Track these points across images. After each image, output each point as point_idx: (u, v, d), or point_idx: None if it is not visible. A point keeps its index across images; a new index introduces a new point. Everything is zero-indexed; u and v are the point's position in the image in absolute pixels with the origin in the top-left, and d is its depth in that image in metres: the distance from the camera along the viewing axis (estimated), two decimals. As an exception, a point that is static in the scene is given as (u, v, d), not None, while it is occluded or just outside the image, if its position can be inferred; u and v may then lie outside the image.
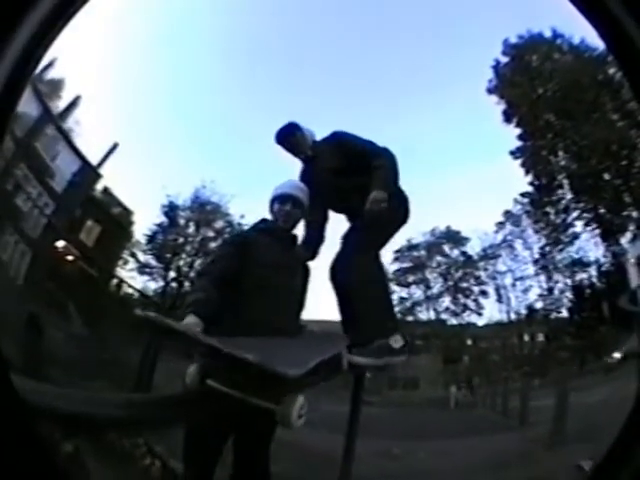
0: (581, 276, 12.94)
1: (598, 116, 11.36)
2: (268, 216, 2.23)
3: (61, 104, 10.63)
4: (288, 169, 2.59)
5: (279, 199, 2.20)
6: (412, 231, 15.16)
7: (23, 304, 6.74)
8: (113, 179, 11.67)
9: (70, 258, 10.13)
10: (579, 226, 13.01)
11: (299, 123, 2.46)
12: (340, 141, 2.40)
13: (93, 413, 1.12)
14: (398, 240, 14.63)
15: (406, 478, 5.23)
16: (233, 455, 2.00)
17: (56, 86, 10.53)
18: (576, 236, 12.97)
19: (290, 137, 2.43)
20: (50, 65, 9.75)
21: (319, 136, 2.53)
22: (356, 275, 2.19)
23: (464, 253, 15.61)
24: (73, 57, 9.99)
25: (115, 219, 12.63)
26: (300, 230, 2.36)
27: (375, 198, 2.08)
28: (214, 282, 1.84)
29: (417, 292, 15.79)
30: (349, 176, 2.28)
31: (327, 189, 2.35)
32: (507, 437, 6.74)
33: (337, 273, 2.26)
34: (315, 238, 2.48)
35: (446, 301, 15.48)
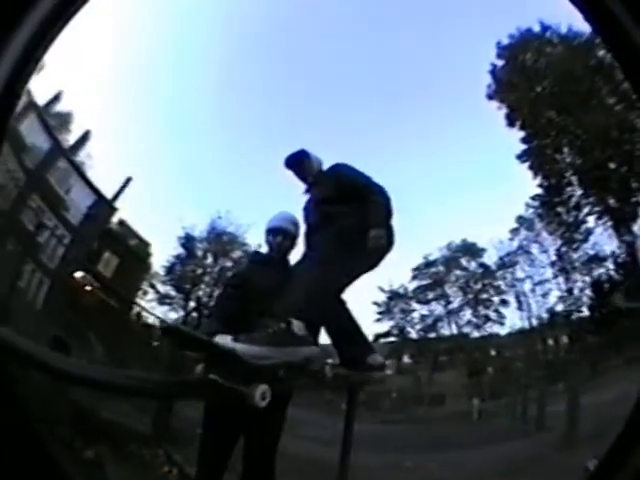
0: (599, 271, 12.51)
1: (595, 103, 11.16)
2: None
3: (71, 137, 10.89)
4: (301, 197, 2.75)
5: (271, 232, 2.50)
6: (428, 247, 15.05)
7: (45, 330, 7.02)
8: (129, 212, 11.87)
9: (89, 288, 10.54)
10: (591, 221, 12.70)
11: (308, 151, 2.70)
12: (339, 173, 2.61)
13: (99, 378, 1.32)
14: (415, 258, 14.64)
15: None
16: (242, 459, 2.30)
17: (65, 119, 10.86)
18: (590, 232, 12.64)
19: (298, 163, 2.68)
20: (57, 98, 10.12)
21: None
22: (328, 316, 2.35)
23: (482, 264, 15.31)
24: (81, 90, 10.43)
25: (133, 251, 12.97)
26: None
27: (375, 235, 2.27)
28: (221, 321, 2.19)
29: (437, 308, 15.49)
30: (338, 205, 2.45)
31: (319, 216, 2.54)
32: (522, 443, 6.51)
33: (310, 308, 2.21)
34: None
35: (467, 314, 15.11)
